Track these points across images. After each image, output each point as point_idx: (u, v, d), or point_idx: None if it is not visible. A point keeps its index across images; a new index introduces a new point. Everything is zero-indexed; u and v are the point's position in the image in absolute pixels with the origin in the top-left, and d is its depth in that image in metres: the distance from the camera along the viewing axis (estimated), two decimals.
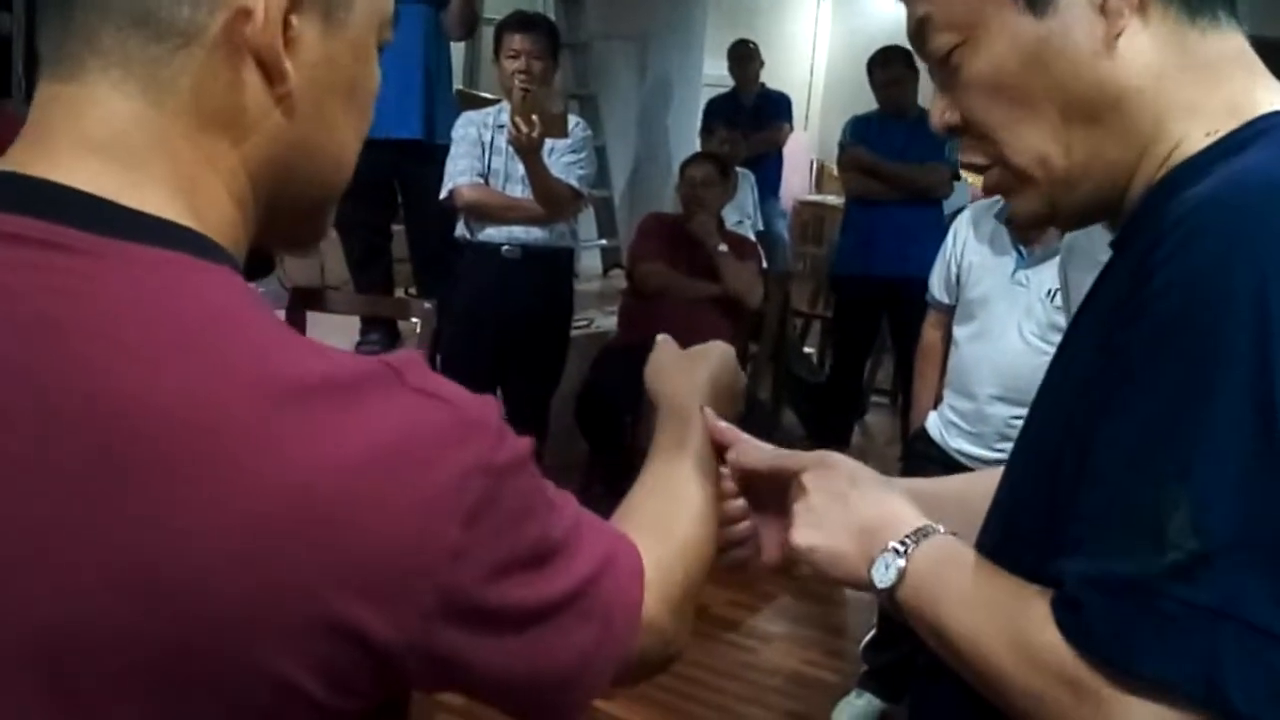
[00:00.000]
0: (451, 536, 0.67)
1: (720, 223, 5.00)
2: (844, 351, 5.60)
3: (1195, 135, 0.88)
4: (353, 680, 0.67)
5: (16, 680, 0.66)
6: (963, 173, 3.00)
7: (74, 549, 0.64)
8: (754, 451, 1.11)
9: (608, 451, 4.69)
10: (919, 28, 0.95)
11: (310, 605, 0.65)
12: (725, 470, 1.13)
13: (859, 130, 5.34)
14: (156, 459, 0.63)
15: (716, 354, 1.18)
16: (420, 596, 0.67)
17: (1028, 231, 2.98)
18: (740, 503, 1.13)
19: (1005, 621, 0.84)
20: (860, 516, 0.99)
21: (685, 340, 3.62)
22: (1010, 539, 0.93)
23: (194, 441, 0.64)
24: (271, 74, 0.73)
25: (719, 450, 1.10)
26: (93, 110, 0.71)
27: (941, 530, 0.95)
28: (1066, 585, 0.80)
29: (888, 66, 5.26)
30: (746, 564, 1.17)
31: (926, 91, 4.38)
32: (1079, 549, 0.80)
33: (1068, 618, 0.79)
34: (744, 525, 1.14)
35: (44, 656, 0.65)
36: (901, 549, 0.93)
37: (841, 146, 5.44)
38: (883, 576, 0.94)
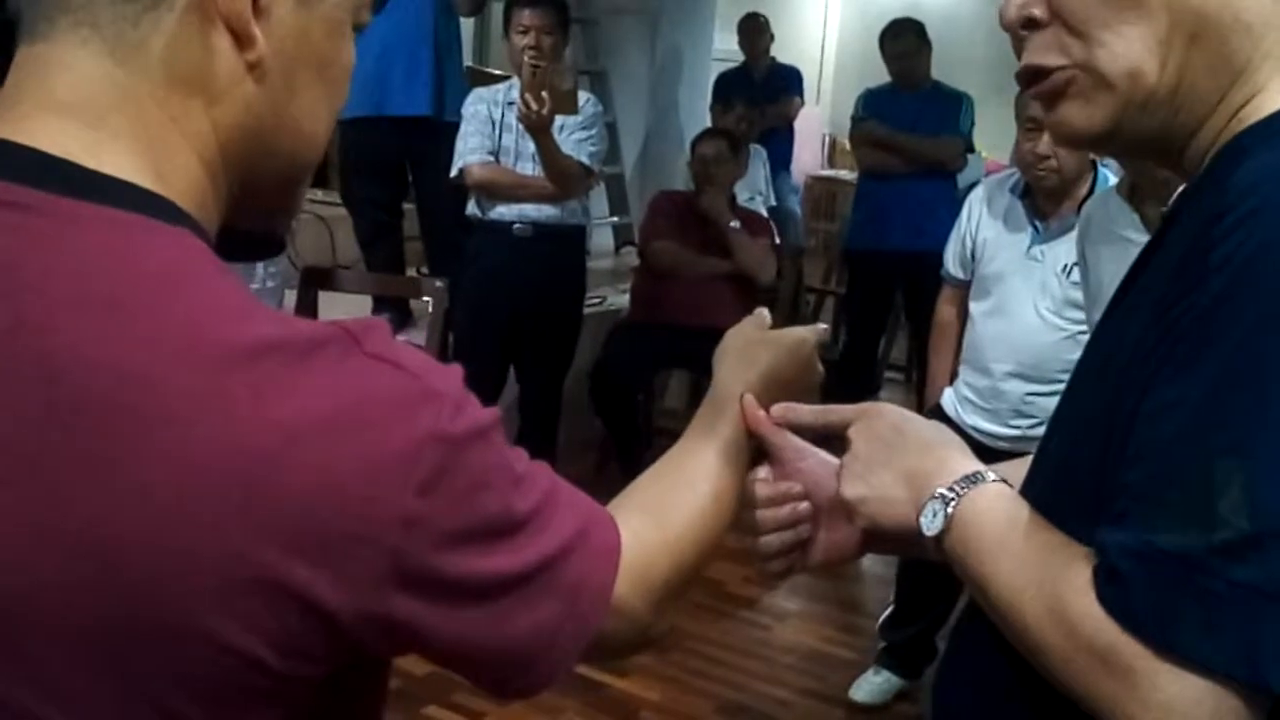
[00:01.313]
0: (403, 503, 0.67)
1: (732, 199, 4.98)
2: (857, 327, 5.58)
3: (1273, 90, 0.84)
4: (304, 645, 0.67)
5: None
6: (1026, 142, 2.92)
7: (20, 506, 0.64)
8: (803, 409, 1.08)
9: (621, 428, 4.68)
10: None
11: (254, 568, 0.65)
12: (764, 475, 1.09)
13: (871, 104, 5.31)
14: (102, 416, 0.64)
15: (786, 344, 1.11)
16: (370, 562, 0.67)
17: (1049, 203, 2.96)
18: (783, 511, 1.10)
19: (1045, 582, 0.82)
20: (909, 461, 0.97)
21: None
22: (1051, 518, 0.91)
23: (139, 398, 0.64)
24: (241, 40, 0.73)
25: (757, 444, 1.07)
26: (60, 70, 0.71)
27: (993, 477, 0.92)
28: (1108, 555, 0.78)
29: (899, 38, 5.22)
30: (789, 572, 1.13)
31: (938, 64, 4.33)
32: (1123, 520, 0.78)
33: (1108, 589, 0.78)
34: (785, 536, 1.10)
35: None
36: (949, 495, 0.91)
37: (854, 120, 5.40)
38: (930, 524, 0.91)
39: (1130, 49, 0.85)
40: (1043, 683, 0.84)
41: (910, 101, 5.19)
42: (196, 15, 0.72)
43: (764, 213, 5.60)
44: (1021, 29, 0.90)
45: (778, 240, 5.20)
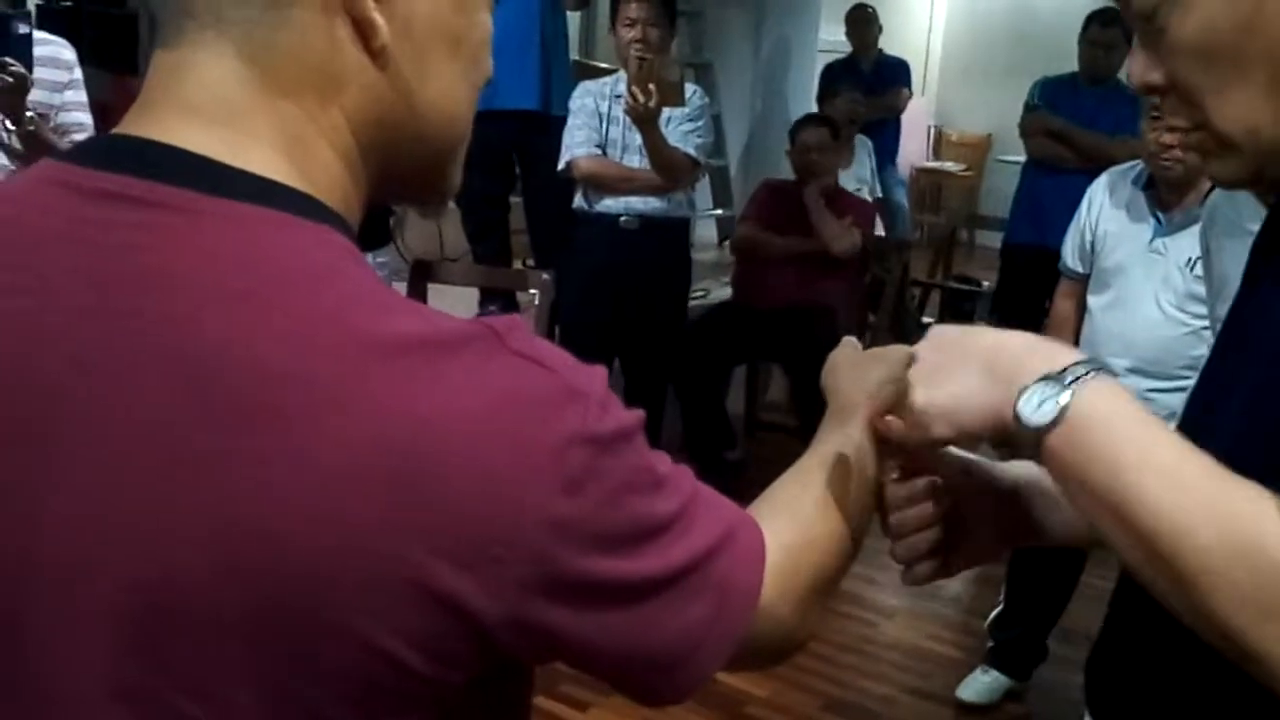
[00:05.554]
0: (550, 504, 0.65)
1: (834, 182, 4.92)
2: (1011, 326, 5.35)
3: None
4: (449, 649, 0.66)
5: (101, 637, 0.66)
6: (1151, 132, 2.85)
7: (171, 501, 0.64)
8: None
9: (698, 418, 4.57)
10: None
11: (398, 567, 0.63)
12: (896, 476, 1.05)
13: (1047, 92, 5.11)
14: (248, 411, 0.63)
15: (894, 357, 1.07)
16: (516, 565, 0.65)
17: (1173, 195, 2.88)
18: (917, 511, 1.04)
19: (1228, 519, 0.75)
20: (987, 348, 0.87)
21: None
22: None
23: (285, 393, 0.63)
24: (363, 28, 0.72)
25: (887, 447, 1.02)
26: (192, 73, 0.72)
27: (1108, 369, 0.83)
28: None
29: (1107, 27, 4.99)
30: (932, 577, 1.06)
31: (1049, 56, 4.20)
32: None
33: None
34: (928, 536, 1.04)
35: (130, 611, 0.65)
36: (1066, 378, 0.81)
37: (1028, 107, 5.19)
38: (1034, 411, 0.80)
39: (1240, 109, 0.85)
40: (1208, 664, 0.79)
41: (1090, 96, 4.96)
42: (319, 8, 0.71)
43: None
44: (1147, 94, 0.93)
45: (881, 231, 5.11)
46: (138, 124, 0.72)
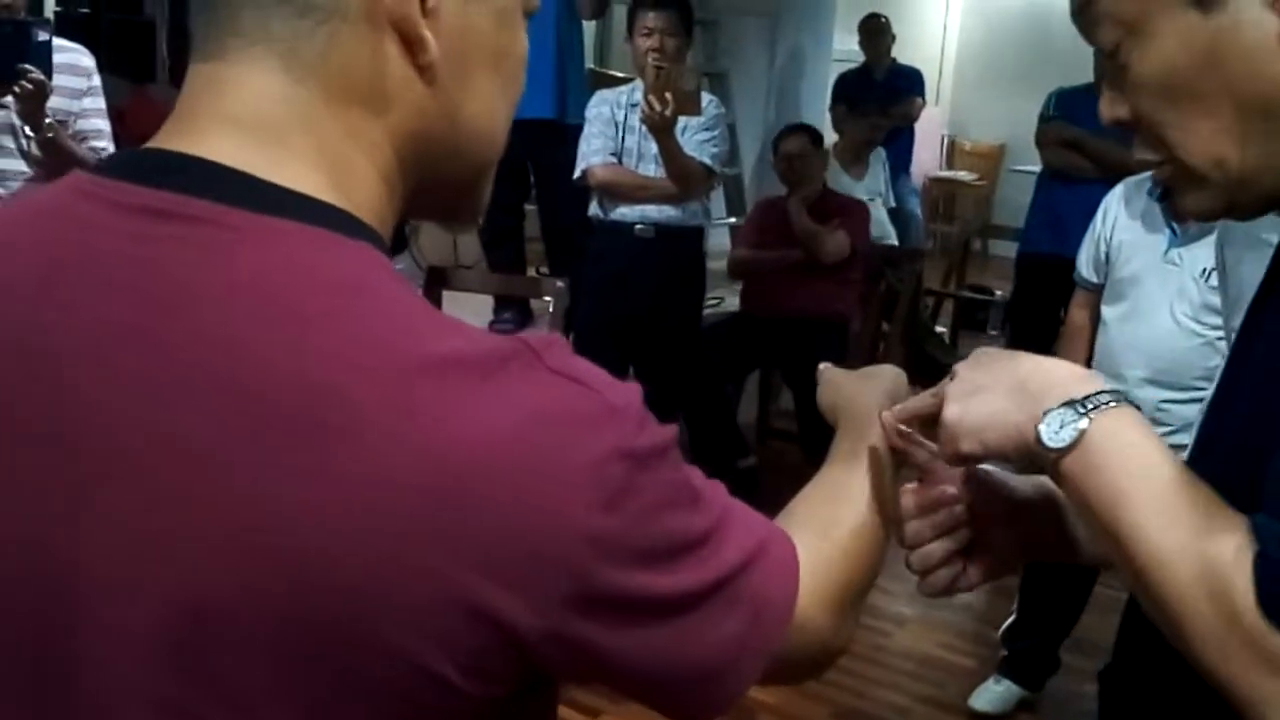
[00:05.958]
0: (590, 522, 0.65)
1: (822, 187, 4.94)
2: (1026, 336, 5.34)
3: None
4: (489, 665, 0.66)
5: (143, 650, 0.66)
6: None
7: (212, 516, 0.64)
8: (922, 397, 1.01)
9: (701, 428, 4.51)
10: (1084, 10, 0.92)
11: (439, 584, 0.63)
12: (912, 486, 1.06)
13: (1063, 103, 5.09)
14: (284, 427, 0.63)
15: (890, 374, 1.11)
16: (557, 582, 0.65)
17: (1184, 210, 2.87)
18: (932, 520, 1.04)
19: (1207, 556, 0.78)
20: (1022, 371, 0.89)
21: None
22: None
23: (323, 411, 0.63)
24: (411, 44, 0.72)
25: (897, 455, 1.03)
26: (234, 87, 0.71)
27: (1130, 401, 0.86)
28: (1261, 537, 0.76)
29: None
30: (949, 588, 1.05)
31: (1066, 62, 4.17)
32: (1267, 505, 0.76)
33: (1264, 578, 0.75)
34: (946, 544, 1.04)
35: (171, 625, 0.65)
36: (1085, 408, 0.83)
37: (1042, 118, 5.17)
38: (1055, 434, 0.83)
39: (1205, 143, 0.87)
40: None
41: None
42: (368, 24, 0.71)
43: (884, 214, 5.53)
44: (1116, 127, 0.94)
45: (894, 240, 5.11)
46: (175, 137, 0.71)
